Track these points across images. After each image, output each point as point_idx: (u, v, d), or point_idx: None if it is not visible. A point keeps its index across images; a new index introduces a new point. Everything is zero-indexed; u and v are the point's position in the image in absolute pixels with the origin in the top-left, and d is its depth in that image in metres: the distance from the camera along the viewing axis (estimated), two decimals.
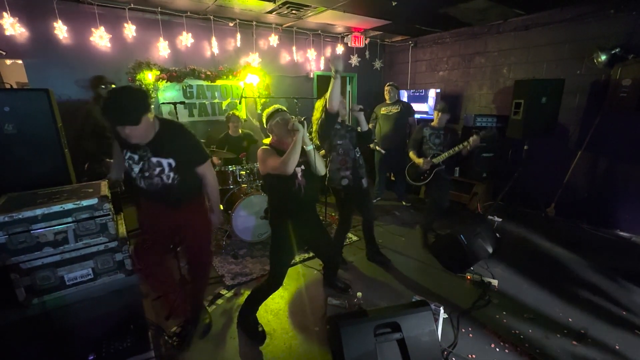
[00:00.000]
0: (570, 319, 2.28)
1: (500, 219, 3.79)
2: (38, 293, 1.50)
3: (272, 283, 2.12)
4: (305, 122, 1.88)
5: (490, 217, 3.82)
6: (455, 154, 3.18)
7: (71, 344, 1.63)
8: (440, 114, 3.23)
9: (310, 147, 1.94)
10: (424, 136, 3.30)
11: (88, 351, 1.62)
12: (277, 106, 2.10)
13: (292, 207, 2.05)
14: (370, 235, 3.04)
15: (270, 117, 2.06)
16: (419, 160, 3.28)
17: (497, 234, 3.18)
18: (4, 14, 3.04)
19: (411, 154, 3.38)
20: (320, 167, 2.03)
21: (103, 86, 3.21)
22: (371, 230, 3.02)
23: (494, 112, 4.68)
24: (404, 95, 5.44)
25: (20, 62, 3.32)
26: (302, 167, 2.00)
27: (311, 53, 5.12)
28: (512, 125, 3.77)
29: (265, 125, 2.10)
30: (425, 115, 5.19)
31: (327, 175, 2.73)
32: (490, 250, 3.00)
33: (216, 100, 4.56)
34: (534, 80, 3.66)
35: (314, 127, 2.63)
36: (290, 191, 1.98)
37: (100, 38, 3.51)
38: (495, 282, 2.69)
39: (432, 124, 3.32)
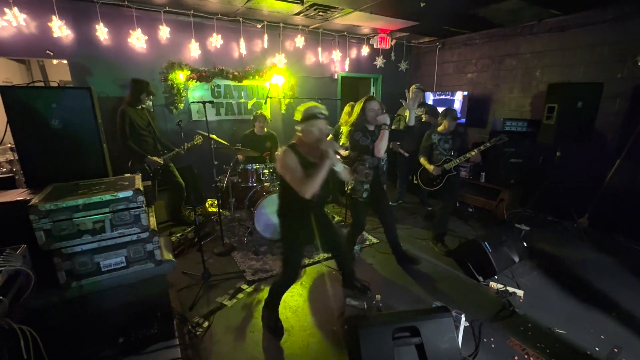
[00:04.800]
0: (602, 337, 2.16)
1: (528, 228, 3.66)
2: (77, 277, 1.60)
3: (286, 276, 2.16)
4: (337, 153, 1.82)
5: (517, 225, 3.69)
6: (466, 160, 3.32)
7: (103, 327, 1.74)
8: (447, 122, 3.28)
9: (339, 168, 1.91)
10: (433, 142, 3.35)
11: (118, 335, 1.71)
12: (319, 107, 1.94)
13: (303, 207, 2.02)
14: (394, 242, 2.98)
15: (308, 118, 1.90)
16: (430, 167, 3.34)
17: (524, 243, 3.06)
18: (53, 17, 3.27)
19: (422, 160, 3.43)
20: (345, 177, 2.07)
21: (147, 95, 3.45)
22: (394, 236, 2.96)
23: (524, 116, 4.50)
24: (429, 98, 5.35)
25: (65, 61, 3.56)
26: None
27: (336, 54, 5.14)
28: (544, 130, 3.61)
29: (298, 118, 1.95)
30: None
31: (350, 185, 2.77)
32: (516, 259, 2.89)
33: (242, 100, 4.68)
34: (570, 83, 3.49)
35: (344, 130, 2.70)
36: (304, 198, 1.91)
37: (137, 39, 3.71)
38: (520, 292, 2.59)
39: (439, 129, 3.36)
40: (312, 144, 1.91)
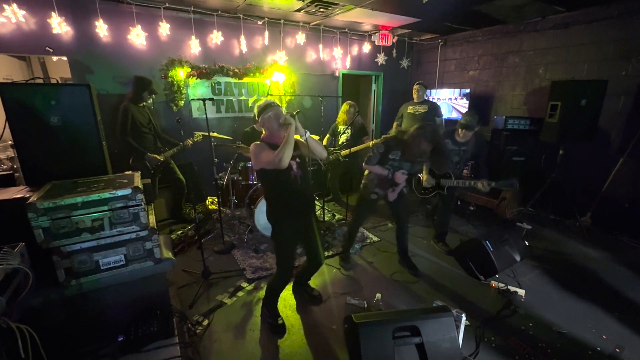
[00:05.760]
0: (604, 336, 2.15)
1: (530, 227, 3.64)
2: (76, 275, 1.60)
3: (279, 277, 2.15)
4: (296, 116, 1.86)
5: (519, 223, 3.67)
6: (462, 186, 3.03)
7: (103, 325, 1.74)
8: (464, 131, 2.90)
9: (306, 136, 1.92)
10: None
11: (118, 332, 1.71)
12: (269, 99, 2.06)
13: (290, 199, 2.02)
14: (402, 247, 2.96)
15: (262, 111, 1.99)
16: (424, 177, 3.11)
17: (526, 242, 3.04)
18: (52, 13, 3.25)
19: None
20: (321, 152, 2.03)
21: (149, 93, 3.43)
22: (404, 241, 2.94)
23: (526, 114, 4.47)
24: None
25: (64, 58, 3.55)
26: (297, 159, 1.98)
27: (337, 51, 5.10)
28: (547, 128, 3.58)
29: (257, 118, 2.04)
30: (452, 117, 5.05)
31: (363, 182, 2.78)
32: (517, 258, 2.87)
33: (243, 97, 4.66)
34: (573, 81, 3.45)
35: (339, 129, 2.63)
36: (287, 183, 1.96)
37: (137, 36, 3.68)
38: (522, 292, 2.57)
39: (457, 134, 2.99)
40: (275, 130, 1.98)
